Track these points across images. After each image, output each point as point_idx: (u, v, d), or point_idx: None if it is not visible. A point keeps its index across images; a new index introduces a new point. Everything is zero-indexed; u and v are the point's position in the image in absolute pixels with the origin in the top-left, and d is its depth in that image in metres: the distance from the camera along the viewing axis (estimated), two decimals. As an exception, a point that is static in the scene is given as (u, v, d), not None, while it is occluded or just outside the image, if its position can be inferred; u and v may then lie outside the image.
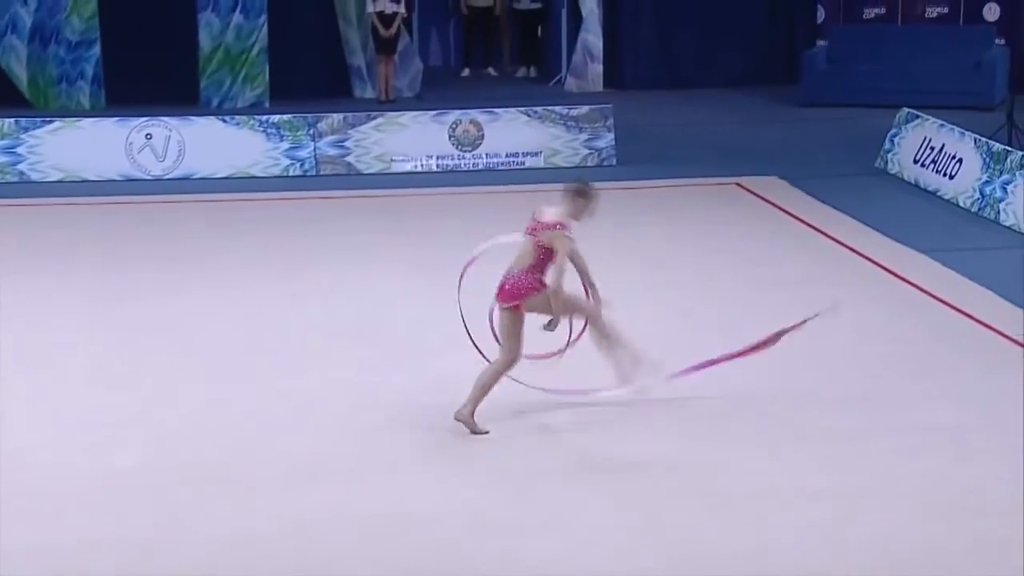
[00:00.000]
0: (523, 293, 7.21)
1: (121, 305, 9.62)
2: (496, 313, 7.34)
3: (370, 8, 17.35)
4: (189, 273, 10.40)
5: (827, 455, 7.06)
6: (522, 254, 7.35)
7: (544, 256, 7.31)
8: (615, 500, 6.66)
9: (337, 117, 14.16)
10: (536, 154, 14.15)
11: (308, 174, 13.95)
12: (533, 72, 19.47)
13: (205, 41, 17.08)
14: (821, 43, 17.67)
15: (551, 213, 7.44)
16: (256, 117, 14.31)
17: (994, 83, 16.34)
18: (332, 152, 14.05)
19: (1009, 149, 12.19)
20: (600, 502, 6.63)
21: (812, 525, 6.34)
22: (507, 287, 7.27)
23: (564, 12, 18.46)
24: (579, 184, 7.48)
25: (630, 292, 9.76)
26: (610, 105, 14.51)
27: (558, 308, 7.18)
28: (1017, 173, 11.59)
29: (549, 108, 14.31)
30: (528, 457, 7.12)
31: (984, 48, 16.78)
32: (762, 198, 12.52)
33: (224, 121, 14.19)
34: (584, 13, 18.09)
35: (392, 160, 14.06)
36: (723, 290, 9.76)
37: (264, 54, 17.19)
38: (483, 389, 7.29)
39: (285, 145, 14.01)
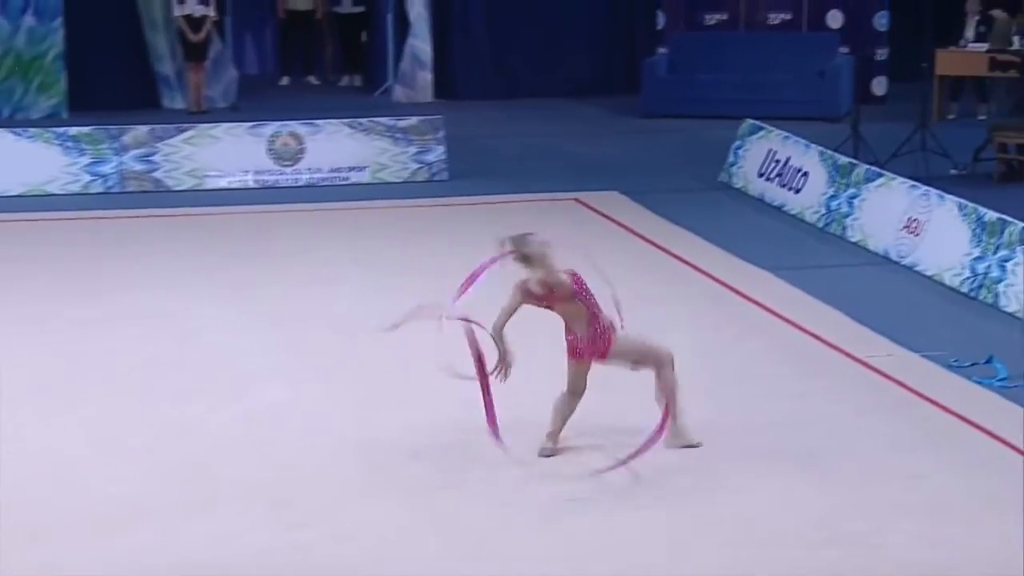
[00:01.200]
0: (604, 347, 7.31)
1: (-99, 337, 9.34)
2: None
3: (177, 11, 17.18)
4: (-22, 301, 10.15)
5: (672, 485, 7.20)
6: (574, 317, 7.33)
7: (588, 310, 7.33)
8: (438, 532, 6.71)
9: (143, 129, 13.99)
10: (361, 169, 14.15)
11: (112, 191, 13.74)
12: (358, 81, 19.49)
13: (-7, 46, 16.71)
14: (662, 51, 18.03)
15: (550, 280, 7.32)
16: (52, 129, 14.06)
17: (839, 93, 16.90)
18: (138, 167, 13.86)
19: (855, 162, 12.60)
20: (433, 537, 6.68)
21: (660, 557, 6.46)
22: (583, 347, 7.32)
23: (390, 17, 18.51)
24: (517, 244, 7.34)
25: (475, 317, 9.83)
26: (441, 116, 14.59)
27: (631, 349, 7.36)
28: (863, 187, 11.99)
29: (375, 119, 14.33)
30: (351, 492, 7.12)
31: (828, 56, 17.34)
32: (602, 214, 12.72)
33: (16, 134, 13.90)
34: (411, 17, 18.18)
35: (205, 176, 13.93)
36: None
37: (60, 60, 16.90)
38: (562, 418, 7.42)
39: (85, 160, 13.78)
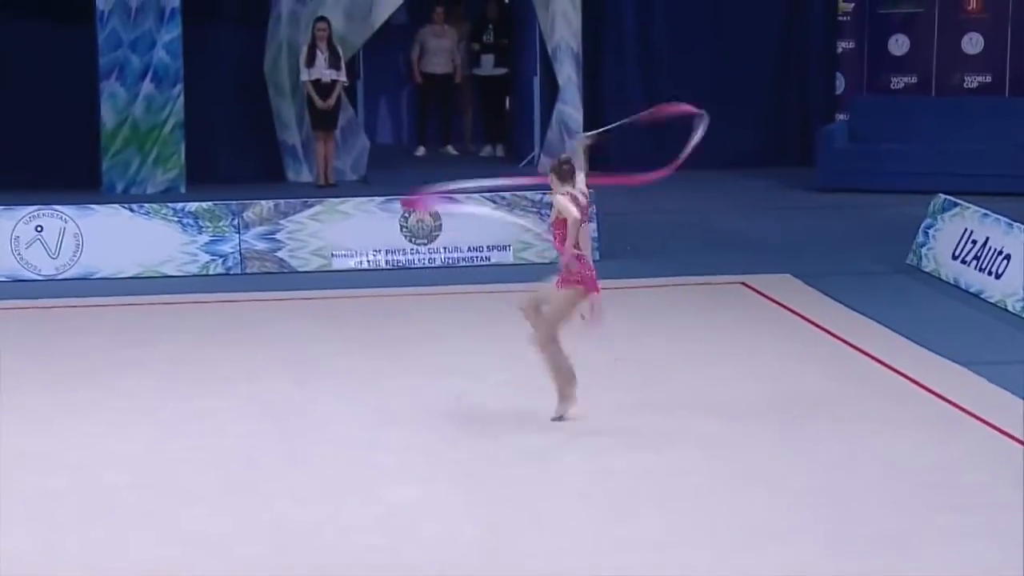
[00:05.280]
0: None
1: None
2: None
3: (305, 76, 17.49)
4: (84, 392, 10.34)
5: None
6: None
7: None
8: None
9: (267, 205, 14.23)
10: (504, 248, 14.21)
11: (232, 272, 13.97)
12: (500, 151, 19.66)
13: (108, 115, 17.19)
14: (841, 117, 17.92)
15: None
16: (170, 205, 14.35)
17: (1045, 165, 16.60)
18: (261, 246, 14.08)
19: (1064, 243, 12.35)
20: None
21: None
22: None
23: (536, 80, 18.66)
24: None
25: (627, 412, 9.74)
26: (591, 190, 14.57)
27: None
28: (1074, 270, 11.73)
29: (519, 194, 14.40)
30: None
31: (1032, 124, 17.06)
32: (772, 300, 12.60)
33: (131, 210, 14.22)
34: (560, 81, 18.29)
35: (332, 255, 14.10)
36: (726, 408, 9.77)
37: (180, 130, 17.30)
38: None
39: (204, 238, 14.04)
